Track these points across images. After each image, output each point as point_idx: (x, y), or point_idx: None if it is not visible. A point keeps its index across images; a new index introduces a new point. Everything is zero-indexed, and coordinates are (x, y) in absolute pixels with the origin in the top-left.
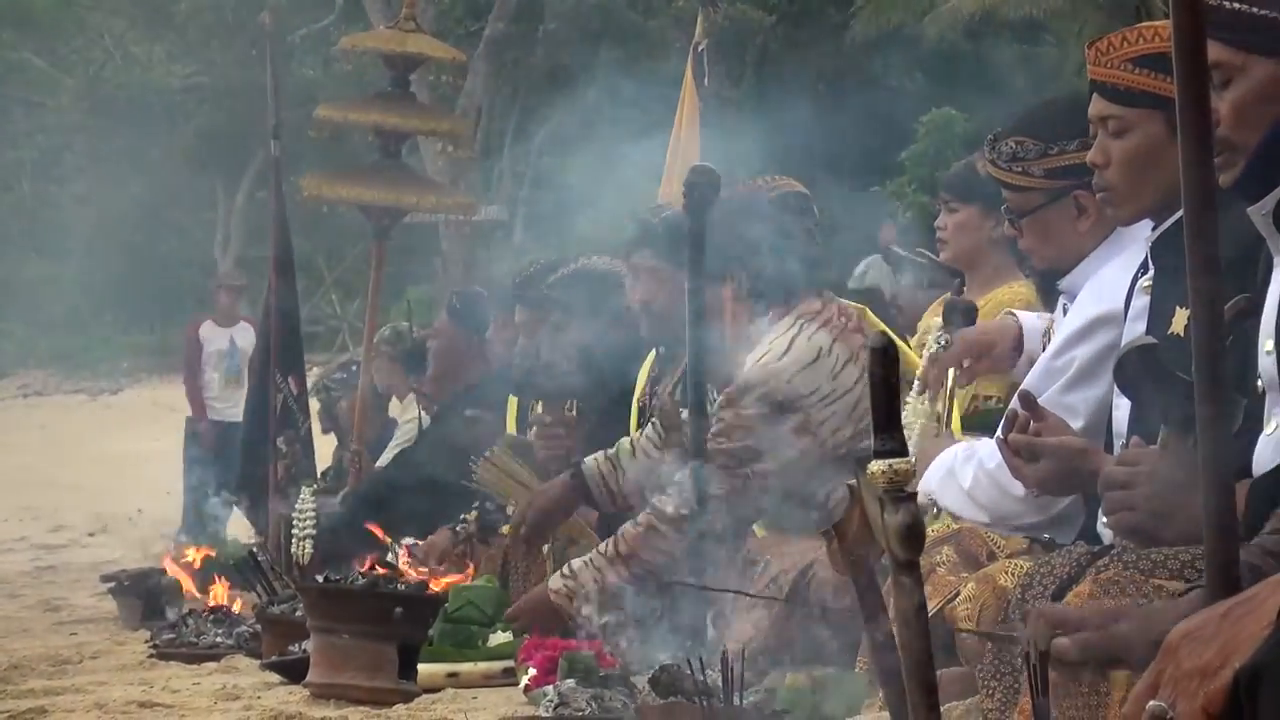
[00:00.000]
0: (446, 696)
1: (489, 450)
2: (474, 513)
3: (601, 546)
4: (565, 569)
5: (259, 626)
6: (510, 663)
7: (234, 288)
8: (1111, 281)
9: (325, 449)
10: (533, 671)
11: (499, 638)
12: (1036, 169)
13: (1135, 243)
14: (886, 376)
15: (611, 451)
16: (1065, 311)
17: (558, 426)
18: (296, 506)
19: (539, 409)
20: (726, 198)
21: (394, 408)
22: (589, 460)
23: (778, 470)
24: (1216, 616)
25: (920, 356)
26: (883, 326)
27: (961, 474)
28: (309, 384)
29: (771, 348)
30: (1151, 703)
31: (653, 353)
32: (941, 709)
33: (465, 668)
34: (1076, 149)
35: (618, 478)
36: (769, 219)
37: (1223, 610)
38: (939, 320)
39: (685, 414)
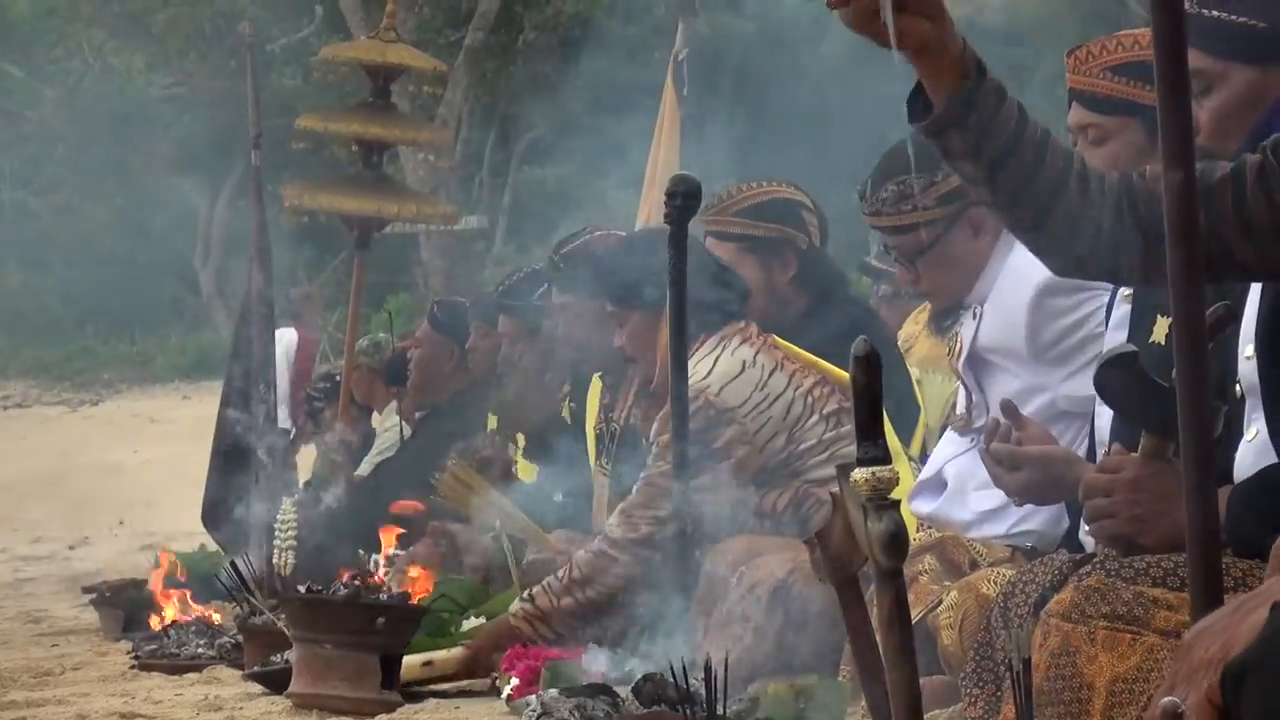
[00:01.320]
0: (429, 707)
1: (448, 463)
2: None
3: (559, 573)
4: (525, 594)
5: (241, 637)
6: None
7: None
8: (1008, 282)
9: (305, 460)
10: (515, 682)
11: (472, 624)
12: (927, 200)
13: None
14: (869, 384)
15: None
16: (974, 315)
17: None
18: (278, 517)
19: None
20: (652, 231)
21: (375, 418)
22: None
23: (717, 484)
24: (1228, 612)
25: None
26: (798, 350)
27: None
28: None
29: (697, 369)
30: (1165, 699)
31: (596, 380)
32: (925, 717)
33: (440, 655)
34: None
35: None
36: (697, 252)
37: (1233, 606)
38: (918, 328)
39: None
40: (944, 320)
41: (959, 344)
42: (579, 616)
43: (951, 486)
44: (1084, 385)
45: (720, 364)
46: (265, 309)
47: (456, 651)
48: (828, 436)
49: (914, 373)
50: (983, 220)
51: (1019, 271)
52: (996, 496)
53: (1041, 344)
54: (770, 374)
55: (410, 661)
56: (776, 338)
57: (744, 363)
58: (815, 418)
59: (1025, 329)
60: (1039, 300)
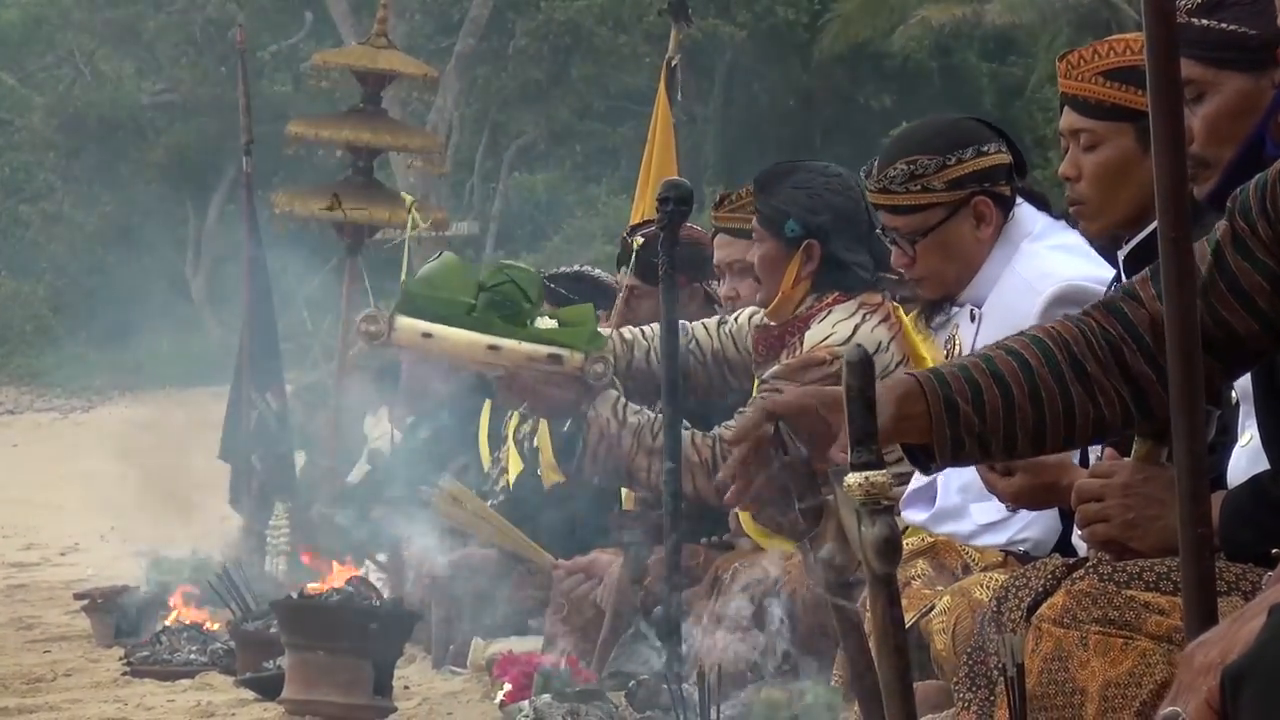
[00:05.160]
0: (421, 712)
1: (442, 482)
2: None
3: (656, 424)
4: (620, 412)
5: (233, 643)
6: (559, 350)
7: None
8: (1014, 291)
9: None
10: (508, 687)
11: (547, 324)
12: (937, 182)
13: (1024, 239)
14: (863, 389)
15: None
16: (973, 318)
17: None
18: (270, 522)
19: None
20: (818, 168)
21: (368, 421)
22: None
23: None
24: (1227, 622)
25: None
26: (919, 344)
27: None
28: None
29: (835, 330)
30: (1166, 709)
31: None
32: None
33: (509, 344)
34: (973, 156)
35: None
36: (857, 202)
37: (1233, 616)
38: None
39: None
40: (933, 315)
41: (957, 346)
42: (635, 475)
43: (949, 499)
44: None
45: (859, 335)
46: (261, 314)
47: (526, 348)
48: None
49: None
50: (987, 211)
51: (1027, 281)
52: (997, 509)
53: None
54: (896, 366)
55: (476, 341)
56: (909, 324)
57: (879, 344)
58: None
59: None
60: (1049, 312)
